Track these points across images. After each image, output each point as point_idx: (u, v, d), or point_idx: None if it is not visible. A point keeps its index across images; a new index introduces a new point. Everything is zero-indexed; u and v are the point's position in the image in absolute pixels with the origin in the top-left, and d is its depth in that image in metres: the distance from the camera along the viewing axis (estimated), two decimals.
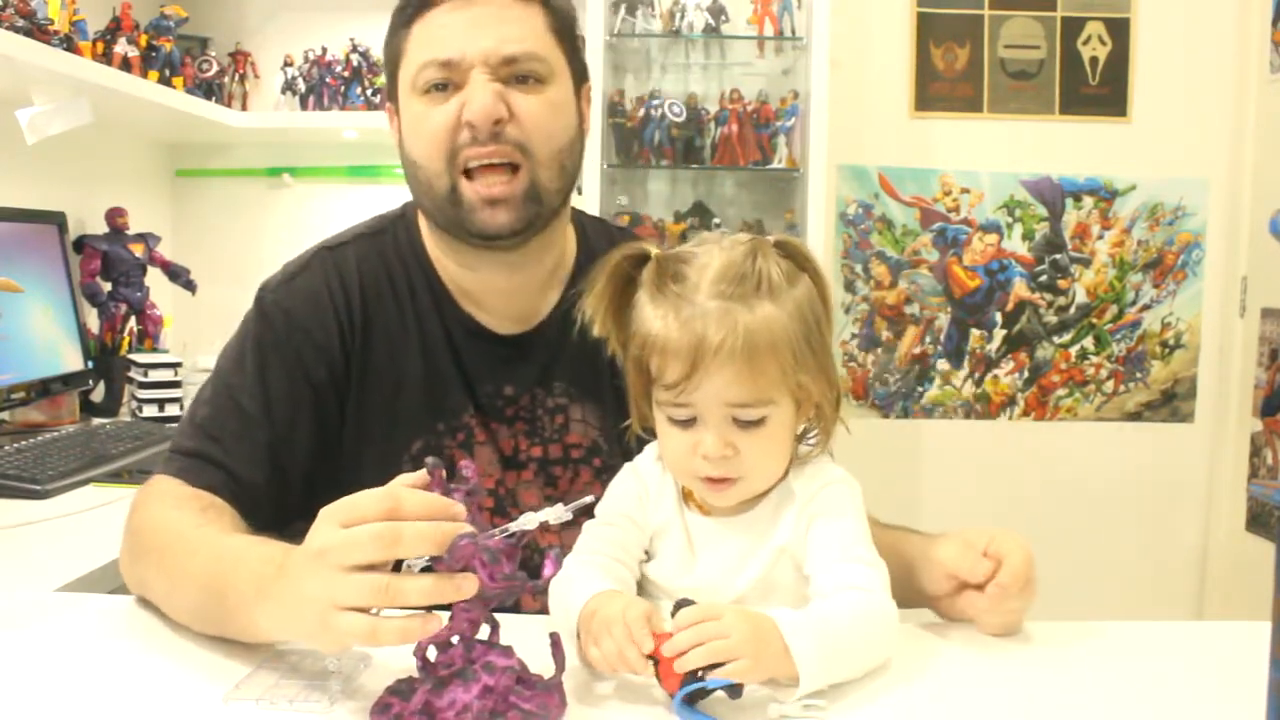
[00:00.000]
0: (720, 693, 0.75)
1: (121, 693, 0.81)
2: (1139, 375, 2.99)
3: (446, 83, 1.05)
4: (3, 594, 1.07)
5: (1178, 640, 1.02)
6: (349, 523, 0.74)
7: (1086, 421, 2.99)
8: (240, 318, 1.15)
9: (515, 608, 0.83)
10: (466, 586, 0.72)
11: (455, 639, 0.75)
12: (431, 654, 0.76)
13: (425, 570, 0.73)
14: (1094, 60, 2.91)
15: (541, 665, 0.78)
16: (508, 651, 0.76)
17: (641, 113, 2.68)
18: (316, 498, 1.06)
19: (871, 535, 0.91)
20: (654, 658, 0.77)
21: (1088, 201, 2.94)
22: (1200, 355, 2.97)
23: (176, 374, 2.18)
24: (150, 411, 2.14)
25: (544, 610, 0.89)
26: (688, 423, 0.88)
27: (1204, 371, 2.97)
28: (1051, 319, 2.97)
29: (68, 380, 2.07)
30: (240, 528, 0.99)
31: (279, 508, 1.06)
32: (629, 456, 1.00)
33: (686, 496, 0.95)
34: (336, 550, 0.74)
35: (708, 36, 2.74)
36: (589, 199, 2.50)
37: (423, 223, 1.16)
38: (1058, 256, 2.95)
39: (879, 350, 2.98)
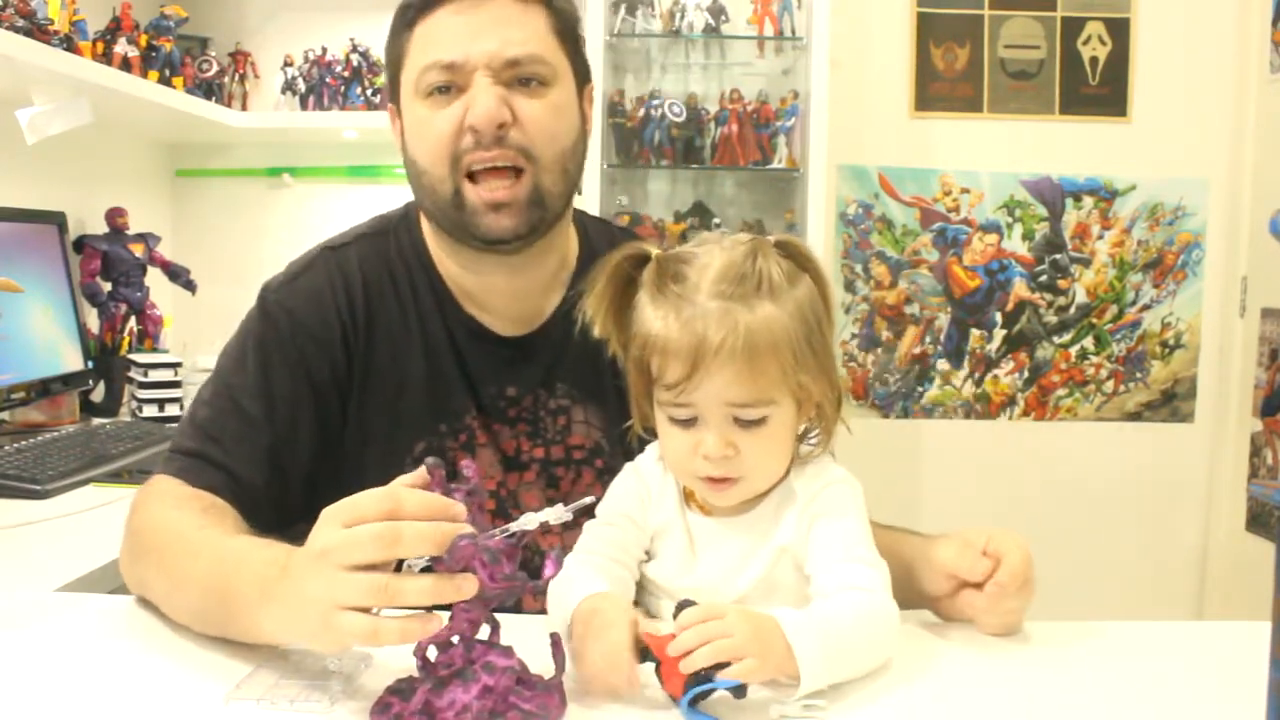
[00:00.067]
0: (723, 693, 0.75)
1: (122, 693, 0.81)
2: (1139, 375, 2.99)
3: (449, 85, 1.05)
4: (3, 594, 1.06)
5: (1178, 640, 1.02)
6: (350, 523, 0.74)
7: (1086, 421, 2.99)
8: (240, 318, 1.15)
9: (516, 608, 0.83)
10: (466, 587, 0.72)
11: (455, 639, 0.75)
12: (432, 654, 0.76)
13: (426, 570, 0.73)
14: (1094, 60, 2.91)
15: (542, 666, 0.78)
16: (508, 652, 0.76)
17: (641, 113, 2.68)
18: (318, 499, 1.06)
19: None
20: (656, 659, 0.77)
21: (1088, 201, 2.94)
22: (1200, 355, 2.97)
23: (176, 374, 2.18)
24: (150, 411, 2.14)
25: (545, 611, 0.89)
26: (689, 423, 0.88)
27: (1204, 371, 2.97)
28: (1051, 319, 2.97)
29: (68, 380, 2.07)
30: (241, 528, 0.99)
31: (280, 508, 1.06)
32: (631, 457, 1.00)
33: (688, 496, 0.95)
34: (337, 550, 0.74)
35: (708, 36, 2.74)
36: (589, 199, 2.50)
37: (425, 223, 1.15)
38: (1058, 256, 2.96)
39: (879, 350, 2.98)
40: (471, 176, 1.05)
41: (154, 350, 2.35)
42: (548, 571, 0.77)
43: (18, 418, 2.00)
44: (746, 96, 2.72)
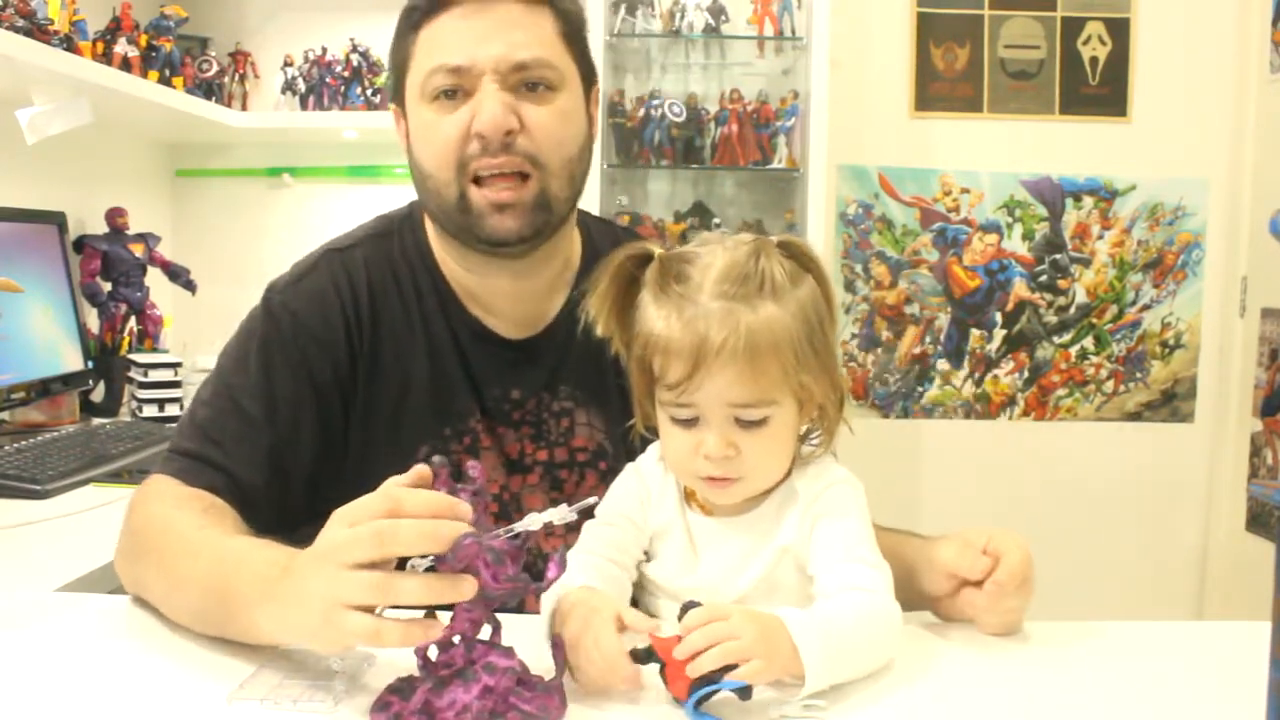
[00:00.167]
0: (727, 693, 0.75)
1: (123, 693, 0.81)
2: (1139, 375, 2.99)
3: (456, 90, 1.04)
4: (3, 594, 1.06)
5: (1178, 640, 1.02)
6: (354, 523, 0.74)
7: (1086, 421, 2.99)
8: (241, 317, 1.14)
9: (519, 608, 0.83)
10: (464, 588, 0.72)
11: (456, 639, 0.75)
12: (432, 653, 0.76)
13: (430, 570, 0.73)
14: (1094, 60, 2.91)
15: (542, 667, 0.78)
16: (509, 652, 0.76)
17: (641, 113, 2.68)
18: (321, 501, 1.06)
19: None
20: (661, 661, 0.76)
21: (1088, 201, 2.94)
22: (1200, 355, 2.97)
23: (176, 374, 2.18)
24: (150, 411, 2.14)
25: None
26: (690, 422, 0.88)
27: (1204, 371, 2.97)
28: (1051, 319, 2.97)
29: (68, 380, 2.07)
30: (241, 529, 0.99)
31: (281, 510, 1.06)
32: (634, 459, 1.00)
33: (689, 496, 0.95)
34: (338, 548, 0.74)
35: (708, 36, 2.74)
36: (589, 199, 2.48)
37: (429, 225, 1.15)
38: (1058, 256, 2.96)
39: (879, 350, 2.98)
40: (477, 180, 1.05)
41: (154, 350, 2.35)
42: (551, 573, 0.77)
43: (18, 418, 2.00)
44: (746, 96, 2.72)
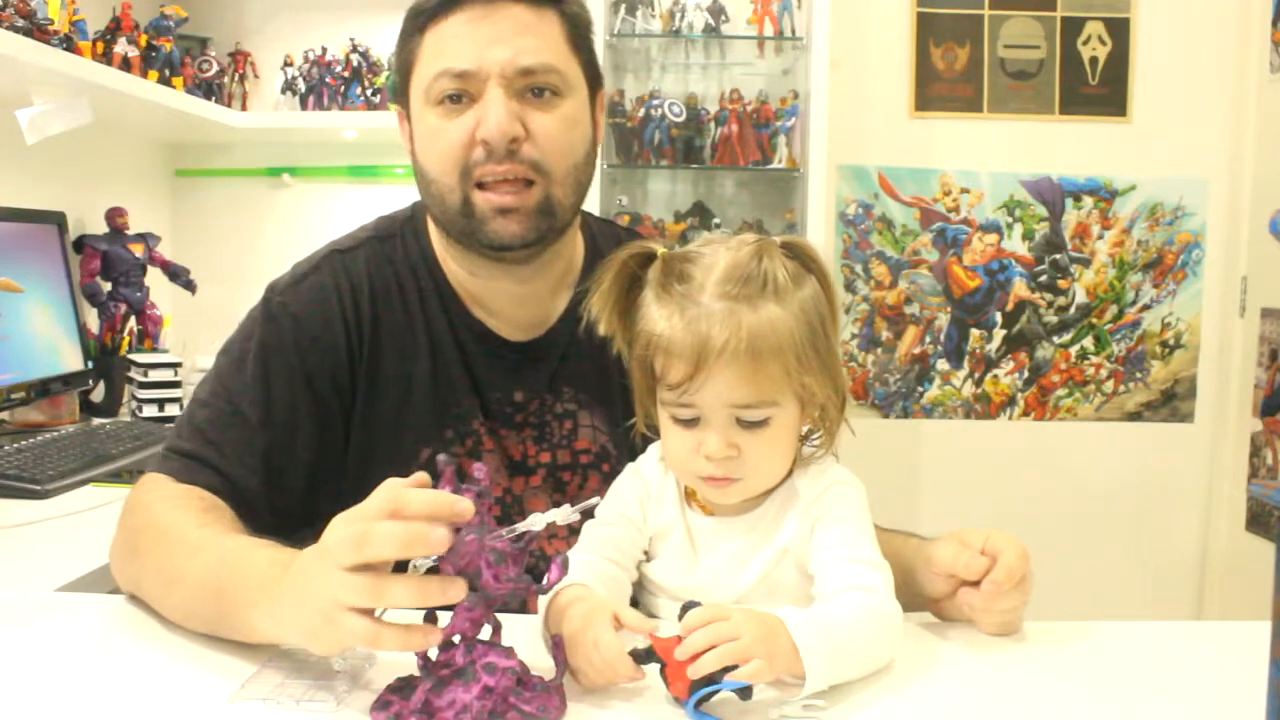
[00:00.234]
0: (728, 693, 0.75)
1: (124, 693, 0.81)
2: (1139, 375, 2.99)
3: (461, 94, 1.04)
4: (3, 594, 1.06)
5: (1178, 640, 1.02)
6: (353, 524, 0.74)
7: (1086, 421, 2.99)
8: (240, 318, 1.14)
9: (520, 609, 0.83)
10: (453, 592, 0.72)
11: (457, 638, 0.75)
12: (433, 653, 0.76)
13: (431, 570, 0.73)
14: (1094, 60, 2.91)
15: (542, 667, 0.78)
16: (509, 652, 0.76)
17: (641, 113, 2.68)
18: (320, 504, 1.06)
19: None
20: (661, 661, 0.76)
21: (1088, 201, 2.94)
22: (1200, 355, 2.97)
23: (176, 374, 2.18)
24: (150, 411, 2.14)
25: None
26: (691, 422, 0.88)
27: (1204, 371, 2.97)
28: (1051, 319, 2.97)
29: (68, 380, 2.07)
30: (239, 529, 0.98)
31: (278, 512, 1.05)
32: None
33: (689, 496, 0.95)
34: (331, 550, 0.74)
35: (708, 36, 2.75)
36: (589, 199, 2.49)
37: (432, 227, 1.14)
38: (1058, 256, 2.96)
39: (879, 350, 2.98)
40: (480, 185, 1.04)
41: (154, 350, 2.35)
42: (554, 575, 0.77)
43: (18, 418, 2.00)
44: (746, 96, 2.72)
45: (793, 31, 2.69)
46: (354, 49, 2.69)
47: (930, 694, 0.83)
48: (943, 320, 2.97)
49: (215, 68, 2.62)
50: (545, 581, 0.78)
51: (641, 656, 0.77)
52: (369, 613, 0.73)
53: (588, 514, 0.80)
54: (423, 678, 0.75)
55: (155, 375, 2.16)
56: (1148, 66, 2.89)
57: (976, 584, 0.93)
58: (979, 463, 2.97)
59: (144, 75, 2.27)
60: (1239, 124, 2.86)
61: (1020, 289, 2.96)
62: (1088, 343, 2.98)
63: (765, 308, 0.85)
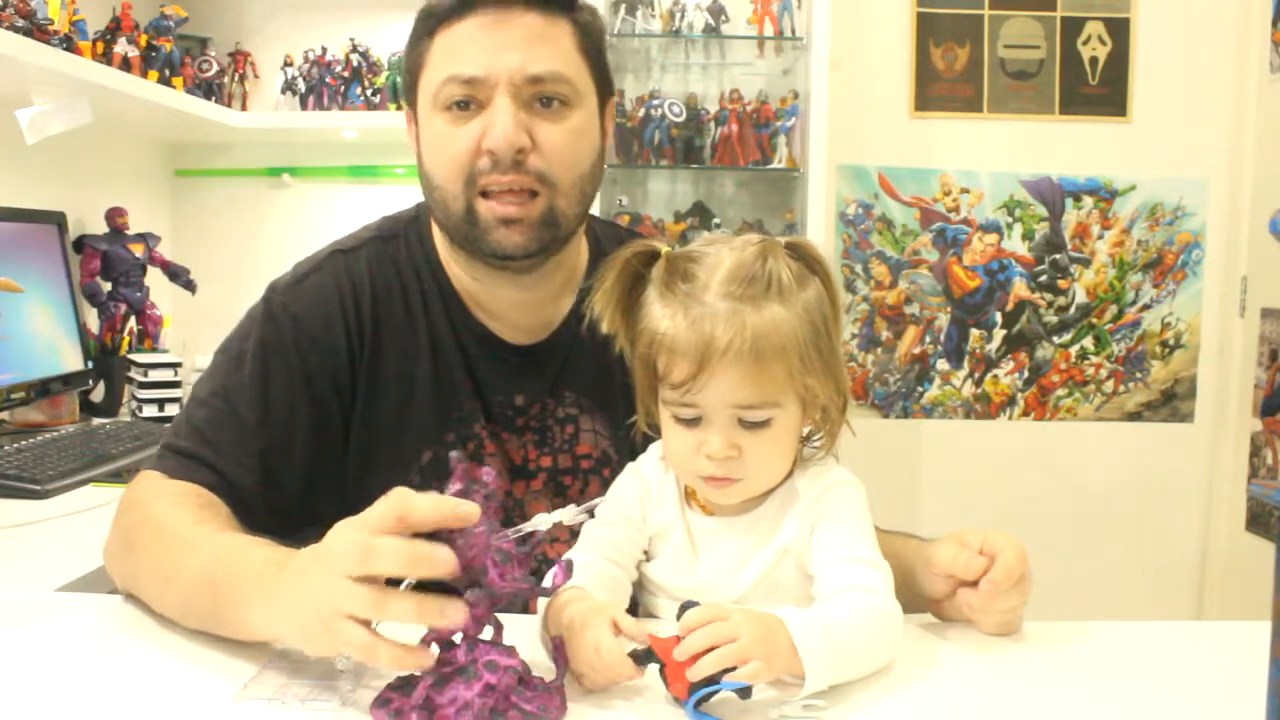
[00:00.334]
0: (727, 693, 0.75)
1: (125, 693, 0.81)
2: (1139, 375, 2.99)
3: (469, 101, 1.03)
4: (3, 594, 1.06)
5: (1178, 640, 1.02)
6: (359, 530, 0.74)
7: (1086, 421, 2.99)
8: (240, 318, 1.14)
9: (522, 609, 0.83)
10: (451, 613, 0.72)
11: (458, 636, 0.75)
12: (435, 650, 0.76)
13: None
14: (1094, 60, 2.91)
15: (545, 668, 0.78)
16: (511, 651, 0.76)
17: (641, 113, 2.68)
18: (319, 505, 1.06)
19: None
20: (661, 661, 0.76)
21: (1088, 201, 2.94)
22: (1200, 355, 2.97)
23: (176, 374, 2.18)
24: (150, 411, 2.14)
25: None
26: (693, 422, 0.88)
27: (1204, 371, 2.97)
28: (1051, 319, 2.97)
29: (68, 380, 2.07)
30: (236, 528, 0.98)
31: (274, 512, 1.05)
32: None
33: (689, 496, 0.95)
34: (335, 555, 0.74)
35: (708, 36, 2.75)
36: None
37: (435, 229, 1.14)
38: (1058, 256, 2.96)
39: (879, 350, 2.98)
40: (485, 193, 1.04)
41: (154, 350, 2.35)
42: (558, 579, 0.78)
43: (18, 418, 2.00)
44: (746, 96, 2.72)
45: (793, 31, 2.69)
46: (354, 49, 2.69)
47: (930, 694, 0.82)
48: (943, 320, 2.97)
49: (215, 68, 2.62)
50: (550, 584, 0.78)
51: (641, 657, 0.77)
52: (366, 623, 0.73)
53: (593, 514, 0.80)
54: (424, 674, 0.75)
55: (155, 375, 2.16)
56: (1148, 66, 2.89)
57: (975, 584, 0.92)
58: (979, 463, 2.97)
59: (144, 75, 2.27)
60: (1239, 124, 2.86)
61: (1020, 289, 2.96)
62: (1088, 343, 2.98)
63: (769, 308, 0.85)
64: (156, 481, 1.04)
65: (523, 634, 0.80)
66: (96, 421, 2.07)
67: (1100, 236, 2.95)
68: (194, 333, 2.52)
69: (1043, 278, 2.96)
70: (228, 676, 0.81)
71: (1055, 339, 2.98)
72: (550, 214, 1.05)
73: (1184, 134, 2.90)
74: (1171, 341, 2.98)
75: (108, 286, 2.33)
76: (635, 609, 0.96)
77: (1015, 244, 2.95)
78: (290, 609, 0.78)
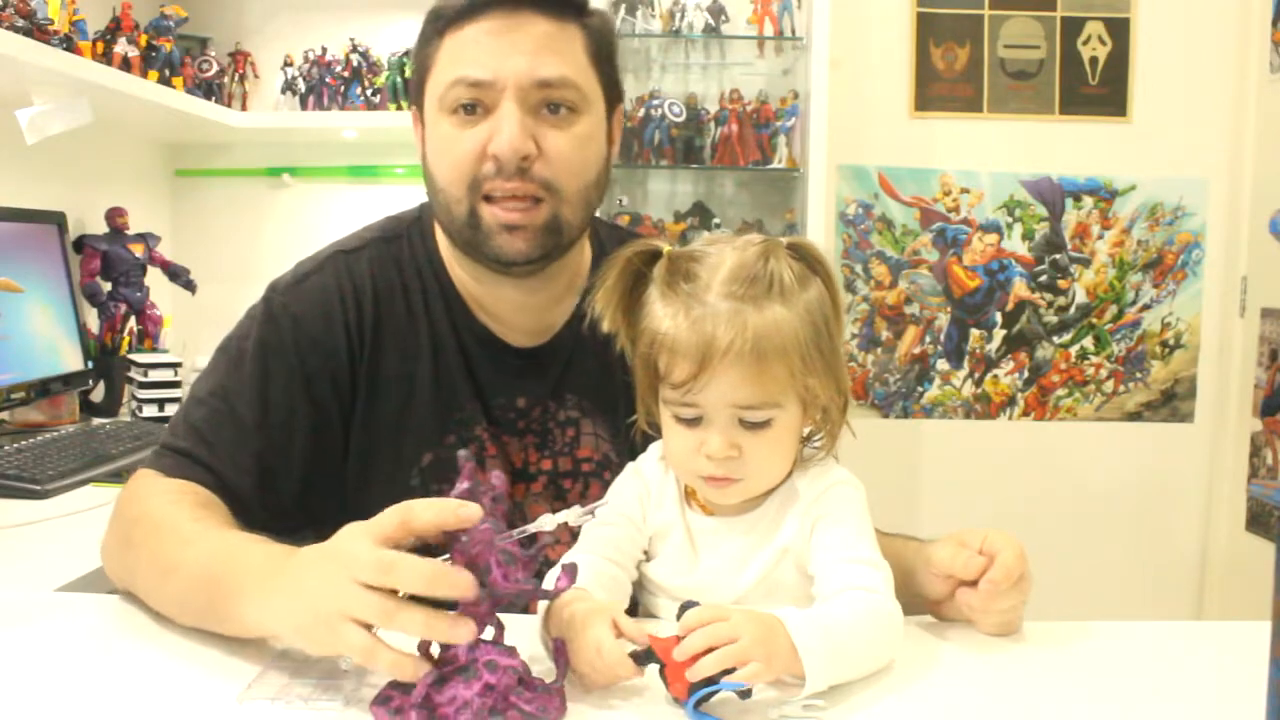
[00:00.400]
0: (727, 693, 0.75)
1: (126, 694, 0.81)
2: (1139, 375, 2.99)
3: (476, 105, 1.02)
4: (3, 594, 1.06)
5: (1178, 640, 1.02)
6: (369, 536, 0.74)
7: (1086, 421, 2.99)
8: (240, 317, 1.13)
9: (523, 610, 0.83)
10: (461, 631, 0.72)
11: None
12: (435, 649, 0.76)
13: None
14: (1094, 60, 2.91)
15: (545, 669, 0.78)
16: (511, 651, 0.76)
17: (641, 113, 2.68)
18: (318, 505, 1.06)
19: None
20: (661, 661, 0.76)
21: (1088, 201, 2.94)
22: (1200, 355, 2.97)
23: (176, 374, 2.18)
24: (150, 411, 2.14)
25: None
26: (693, 421, 0.88)
27: (1204, 371, 2.97)
28: (1051, 319, 2.97)
29: (68, 380, 2.07)
30: (234, 526, 0.98)
31: (272, 513, 1.05)
32: None
33: (689, 496, 0.95)
34: (351, 561, 0.74)
35: (708, 36, 2.75)
36: None
37: (438, 230, 1.14)
38: (1058, 256, 2.96)
39: (879, 350, 2.98)
40: (489, 198, 1.04)
41: (154, 350, 2.35)
42: (561, 582, 0.78)
43: (18, 418, 2.00)
44: (746, 96, 2.72)
45: (793, 31, 2.69)
46: (354, 49, 2.69)
47: (930, 694, 0.82)
48: (943, 320, 2.97)
49: (215, 68, 2.62)
50: (553, 588, 0.78)
51: (641, 657, 0.77)
52: (369, 626, 0.74)
53: (595, 516, 0.80)
54: (424, 673, 0.75)
55: (155, 375, 2.16)
56: (1148, 66, 2.89)
57: (975, 584, 0.92)
58: (979, 463, 2.97)
59: (144, 75, 2.27)
60: (1239, 124, 2.86)
61: (1020, 289, 2.96)
62: (1088, 343, 2.98)
63: (770, 309, 0.85)
64: (154, 480, 1.04)
65: (523, 634, 0.80)
66: (96, 421, 2.07)
67: (1100, 236, 2.95)
68: (194, 333, 2.52)
69: (1043, 278, 2.96)
70: (230, 676, 0.81)
71: (1055, 339, 2.98)
72: (554, 221, 1.05)
73: (1184, 134, 2.90)
74: (1171, 341, 2.98)
75: (108, 286, 2.33)
76: (635, 609, 0.96)
77: (1015, 244, 2.95)
78: (291, 606, 0.78)
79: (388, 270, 1.12)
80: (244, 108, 2.73)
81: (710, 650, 0.74)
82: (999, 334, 2.98)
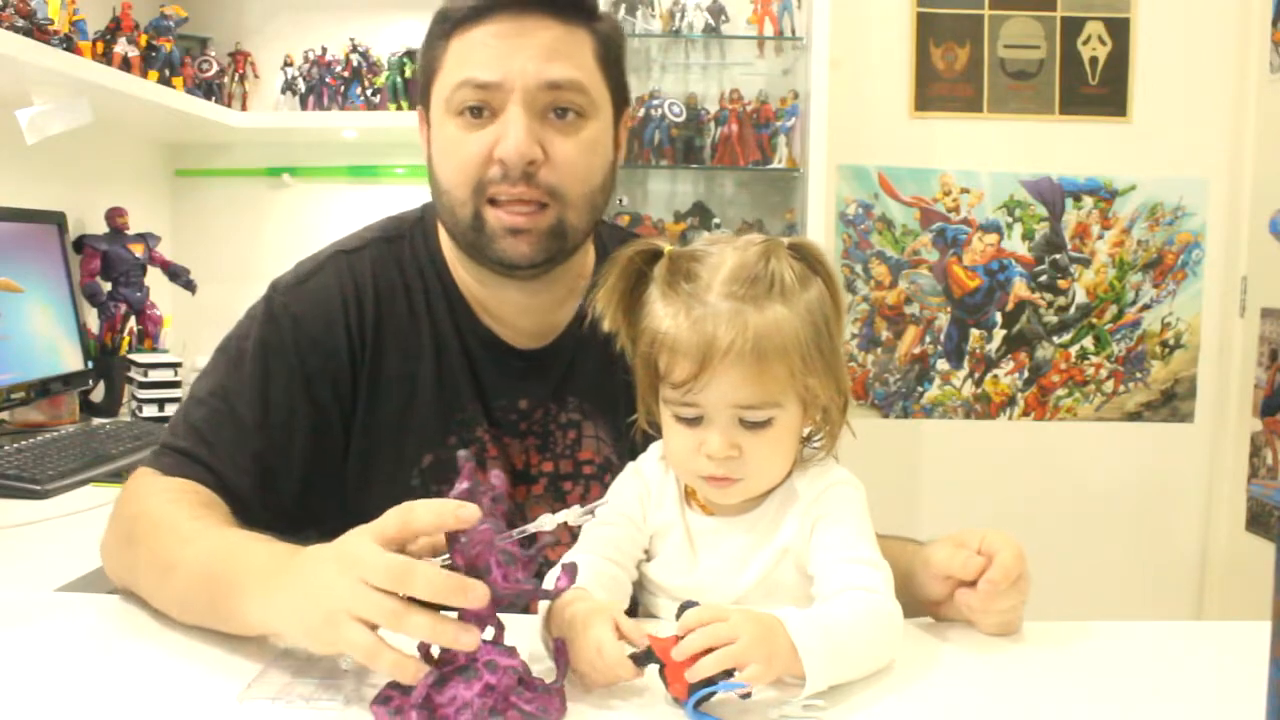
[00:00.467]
0: (727, 693, 0.75)
1: (126, 694, 0.81)
2: (1139, 375, 2.99)
3: (482, 107, 1.02)
4: (3, 594, 1.06)
5: (1178, 640, 1.02)
6: (375, 539, 0.75)
7: (1086, 421, 2.99)
8: (240, 317, 1.13)
9: (524, 610, 0.83)
10: (466, 639, 0.73)
11: None
12: (435, 649, 0.76)
13: (446, 567, 0.74)
14: (1094, 60, 2.91)
15: (545, 669, 0.78)
16: (511, 652, 0.76)
17: (641, 113, 2.68)
18: (318, 505, 1.06)
19: None
20: (660, 662, 0.76)
21: (1088, 201, 2.94)
22: (1200, 355, 2.97)
23: (176, 374, 2.18)
24: (150, 411, 2.14)
25: None
26: (694, 421, 0.88)
27: (1204, 371, 2.97)
28: (1051, 319, 2.97)
29: (68, 380, 2.07)
30: (234, 524, 0.98)
31: (272, 513, 1.05)
32: None
33: (689, 495, 0.95)
34: (363, 564, 0.74)
35: (708, 36, 2.75)
36: None
37: (441, 231, 1.13)
38: (1058, 256, 2.96)
39: (879, 350, 2.98)
40: (493, 201, 1.03)
41: (154, 350, 2.35)
42: (561, 583, 0.78)
43: (18, 418, 2.00)
44: (746, 96, 2.72)
45: (793, 31, 2.69)
46: (354, 49, 2.69)
47: (930, 694, 0.82)
48: (943, 320, 2.97)
49: (215, 68, 2.62)
50: (553, 587, 0.78)
51: (641, 658, 0.77)
52: (373, 627, 0.74)
53: (595, 516, 0.80)
54: (425, 673, 0.75)
55: (155, 375, 2.16)
56: (1148, 66, 2.89)
57: (974, 584, 0.92)
58: (979, 463, 2.97)
59: (144, 75, 2.27)
60: (1239, 124, 2.86)
61: (1020, 289, 2.96)
62: (1088, 343, 2.98)
63: (771, 309, 0.85)
64: (153, 479, 1.04)
65: (523, 634, 0.80)
66: (96, 421, 2.07)
67: (1100, 236, 2.95)
68: (194, 333, 2.52)
69: (1043, 278, 2.96)
70: (230, 676, 0.81)
71: (1055, 339, 2.98)
72: (559, 226, 1.04)
73: (1184, 134, 2.90)
74: (1171, 341, 2.98)
75: (108, 286, 2.33)
76: (635, 609, 0.96)
77: (1015, 244, 2.95)
78: (296, 603, 0.78)
79: (389, 270, 1.12)
80: (244, 108, 2.73)
81: (710, 650, 0.74)
82: (999, 334, 2.98)
